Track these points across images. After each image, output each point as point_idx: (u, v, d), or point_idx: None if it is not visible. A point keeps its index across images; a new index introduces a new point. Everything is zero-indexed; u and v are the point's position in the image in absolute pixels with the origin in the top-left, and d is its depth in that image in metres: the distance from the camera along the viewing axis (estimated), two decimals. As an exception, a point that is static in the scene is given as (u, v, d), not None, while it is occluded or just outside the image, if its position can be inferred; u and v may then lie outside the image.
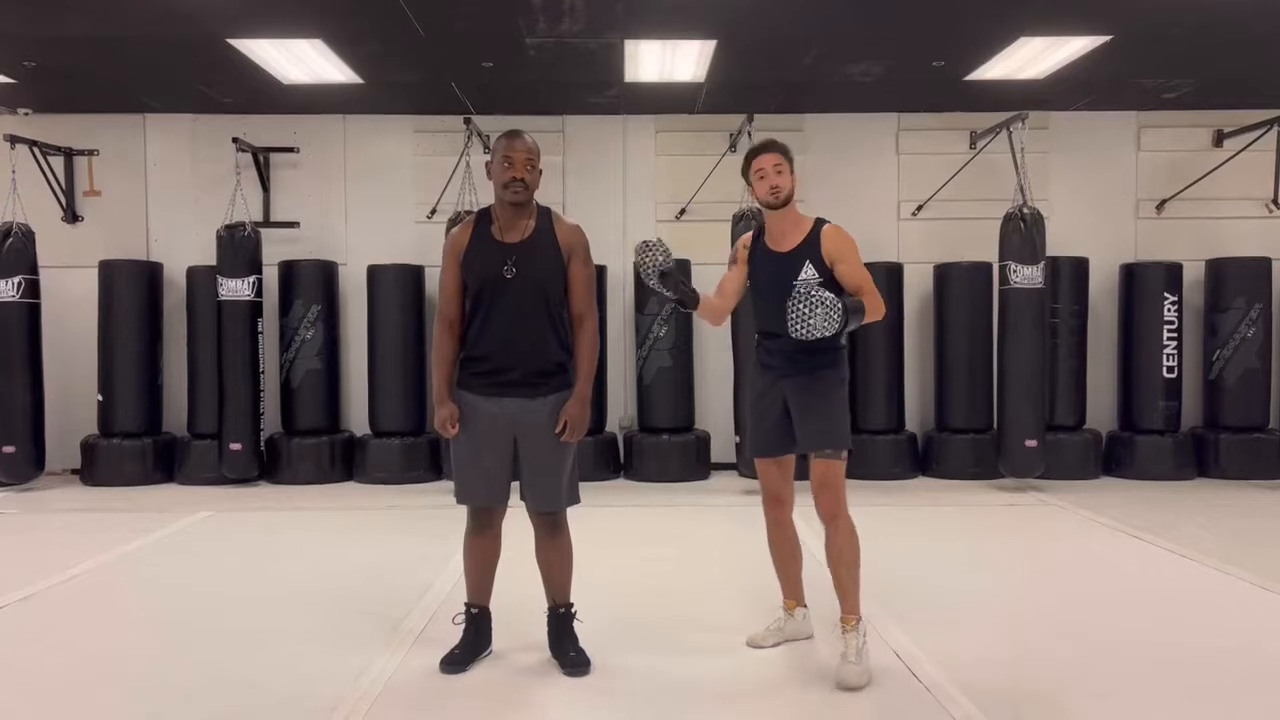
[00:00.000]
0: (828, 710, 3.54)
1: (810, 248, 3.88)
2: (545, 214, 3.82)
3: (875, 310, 3.80)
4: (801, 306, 3.57)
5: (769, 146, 3.95)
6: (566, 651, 3.87)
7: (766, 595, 4.81)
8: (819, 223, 3.93)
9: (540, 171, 3.77)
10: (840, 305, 3.61)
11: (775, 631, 4.20)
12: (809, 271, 3.85)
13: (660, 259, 3.76)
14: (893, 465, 8.16)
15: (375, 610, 4.63)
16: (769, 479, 4.12)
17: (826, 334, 3.60)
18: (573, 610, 3.93)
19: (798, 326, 3.58)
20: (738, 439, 7.81)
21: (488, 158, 3.84)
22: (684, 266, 8.46)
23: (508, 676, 3.83)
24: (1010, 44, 6.88)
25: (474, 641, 3.92)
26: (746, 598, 4.80)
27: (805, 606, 4.21)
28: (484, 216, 3.82)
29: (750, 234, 4.12)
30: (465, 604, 3.96)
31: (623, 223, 8.84)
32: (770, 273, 3.98)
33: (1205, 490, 7.84)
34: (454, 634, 3.97)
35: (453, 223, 7.55)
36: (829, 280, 3.84)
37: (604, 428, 8.50)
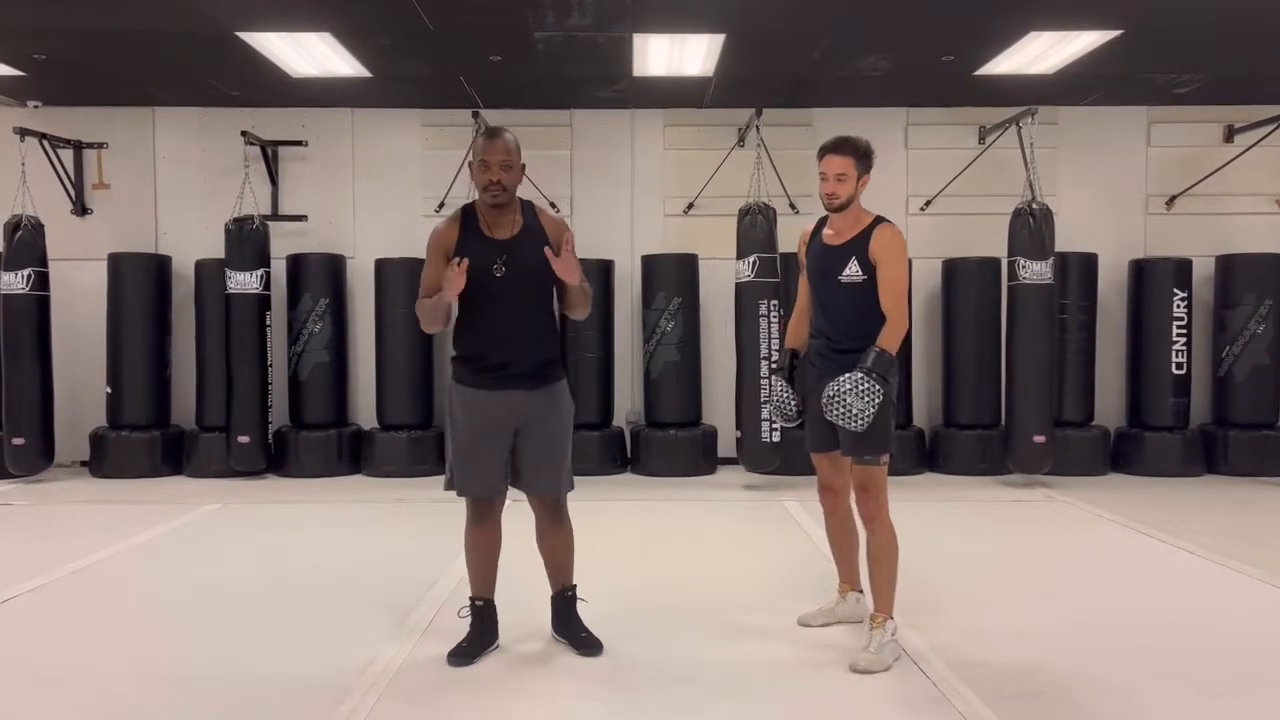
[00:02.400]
0: (834, 702, 3.54)
1: (859, 244, 3.88)
2: (530, 209, 3.83)
3: (892, 339, 3.80)
4: (840, 402, 3.70)
5: (839, 148, 3.88)
6: (577, 633, 3.94)
7: (772, 587, 4.83)
8: (876, 221, 3.91)
9: (522, 167, 3.77)
10: (871, 385, 3.67)
11: (826, 613, 4.27)
12: (853, 267, 3.85)
13: (779, 398, 4.15)
14: (900, 460, 8.14)
15: (383, 602, 4.64)
16: (821, 470, 4.19)
17: (869, 415, 3.69)
18: (576, 591, 4.00)
19: (841, 418, 3.73)
20: (739, 433, 7.81)
21: (468, 156, 3.83)
22: (689, 271, 8.46)
23: (514, 667, 3.84)
24: (1020, 39, 6.86)
25: (481, 634, 3.93)
26: (753, 589, 4.82)
27: (860, 592, 4.23)
28: (469, 213, 3.82)
29: (809, 229, 4.14)
30: (470, 598, 3.97)
31: (630, 217, 8.83)
32: (819, 266, 4.01)
33: (1214, 487, 7.82)
34: (461, 626, 3.98)
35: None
36: (871, 278, 3.84)
37: (611, 422, 8.50)
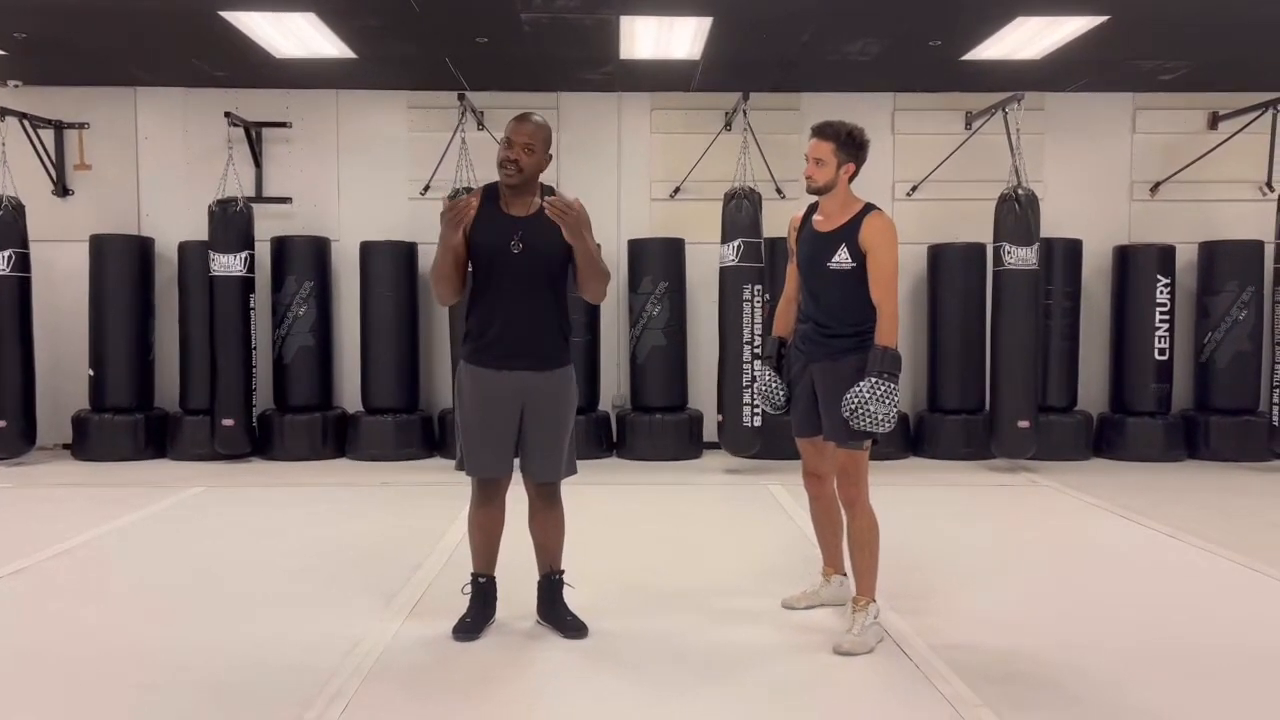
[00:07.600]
0: (818, 683, 3.57)
1: (849, 231, 3.86)
2: (548, 192, 3.86)
3: (889, 333, 3.79)
4: (863, 411, 3.70)
5: (821, 131, 3.89)
6: (563, 616, 3.98)
7: (757, 570, 4.85)
8: (866, 209, 3.90)
9: (549, 156, 3.82)
10: (886, 386, 3.68)
11: (810, 595, 4.31)
12: (843, 254, 3.85)
13: (766, 387, 4.19)
14: (885, 445, 8.16)
15: (368, 584, 4.64)
16: (805, 456, 4.21)
17: (893, 415, 3.72)
18: (563, 576, 4.04)
19: (868, 426, 3.72)
20: (720, 418, 7.83)
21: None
22: (677, 272, 8.46)
23: (500, 648, 3.85)
24: (1007, 23, 6.86)
25: (483, 610, 4.00)
26: (738, 572, 4.84)
27: (844, 574, 4.25)
28: (491, 191, 3.87)
29: (800, 215, 4.13)
30: (472, 574, 4.02)
31: (617, 200, 8.82)
32: (808, 252, 4.00)
33: (1195, 472, 7.89)
34: (447, 608, 4.01)
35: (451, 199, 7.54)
36: (860, 265, 3.83)
37: (597, 406, 8.50)
